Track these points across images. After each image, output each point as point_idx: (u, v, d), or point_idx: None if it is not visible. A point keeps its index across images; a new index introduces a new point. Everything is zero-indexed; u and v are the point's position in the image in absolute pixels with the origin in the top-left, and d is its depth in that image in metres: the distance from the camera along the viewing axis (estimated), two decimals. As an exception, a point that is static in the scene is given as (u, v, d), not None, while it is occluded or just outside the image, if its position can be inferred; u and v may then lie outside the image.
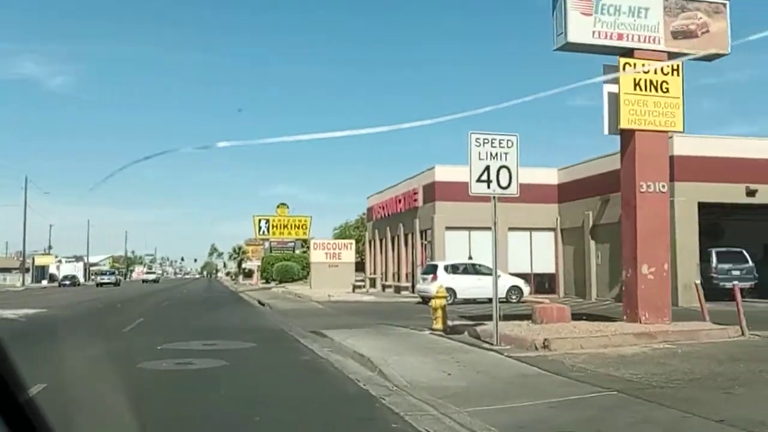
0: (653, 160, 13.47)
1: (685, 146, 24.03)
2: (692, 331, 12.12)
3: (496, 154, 11.60)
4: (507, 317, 14.50)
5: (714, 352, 10.18)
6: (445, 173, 29.58)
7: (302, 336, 14.36)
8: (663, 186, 13.52)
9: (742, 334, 12.64)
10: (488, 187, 11.57)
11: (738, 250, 25.61)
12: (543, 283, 32.07)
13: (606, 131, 13.59)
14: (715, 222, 27.03)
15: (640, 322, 12.97)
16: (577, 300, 28.33)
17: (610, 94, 13.59)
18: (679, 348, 10.61)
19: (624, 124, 13.25)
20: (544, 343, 10.60)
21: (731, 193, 24.49)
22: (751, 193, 24.51)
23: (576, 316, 15.19)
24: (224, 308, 27.04)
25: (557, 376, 8.33)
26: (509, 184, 11.60)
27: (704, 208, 24.22)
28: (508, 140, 11.70)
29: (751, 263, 25.29)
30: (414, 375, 8.71)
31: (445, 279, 25.70)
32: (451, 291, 25.53)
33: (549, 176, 31.98)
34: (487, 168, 11.55)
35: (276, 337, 14.57)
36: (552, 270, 32.04)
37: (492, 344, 11.32)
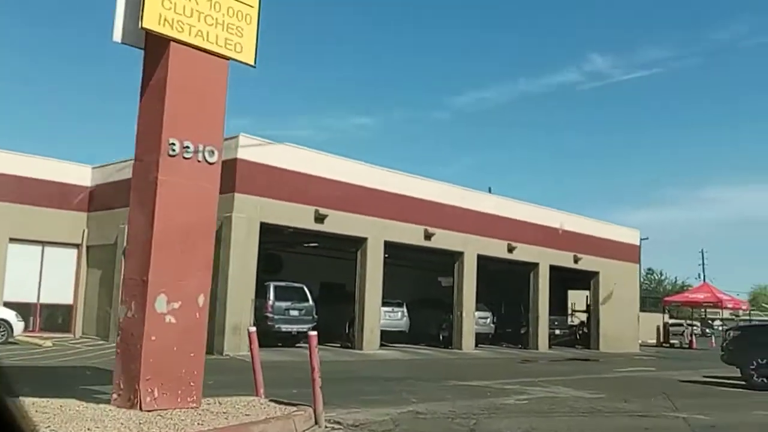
0: (199, 101, 7.36)
1: (249, 148, 19.07)
2: (241, 426, 6.18)
3: None
4: None
5: None
6: None
7: None
8: (212, 152, 7.43)
9: (316, 423, 7.31)
10: None
11: (299, 285, 21.58)
12: (56, 317, 23.68)
13: (117, 37, 7.07)
14: (272, 251, 22.78)
15: (141, 408, 6.57)
16: (98, 342, 20.98)
17: (134, -28, 7.20)
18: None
19: (149, 23, 6.89)
20: None
21: (300, 216, 20.25)
22: (320, 218, 20.63)
23: (65, 374, 8.46)
24: None
25: None
26: None
27: (264, 233, 19.46)
28: None
29: (311, 302, 21.45)
30: None
31: None
32: None
33: (80, 174, 23.90)
34: None
35: None
36: (70, 300, 23.86)
37: None
